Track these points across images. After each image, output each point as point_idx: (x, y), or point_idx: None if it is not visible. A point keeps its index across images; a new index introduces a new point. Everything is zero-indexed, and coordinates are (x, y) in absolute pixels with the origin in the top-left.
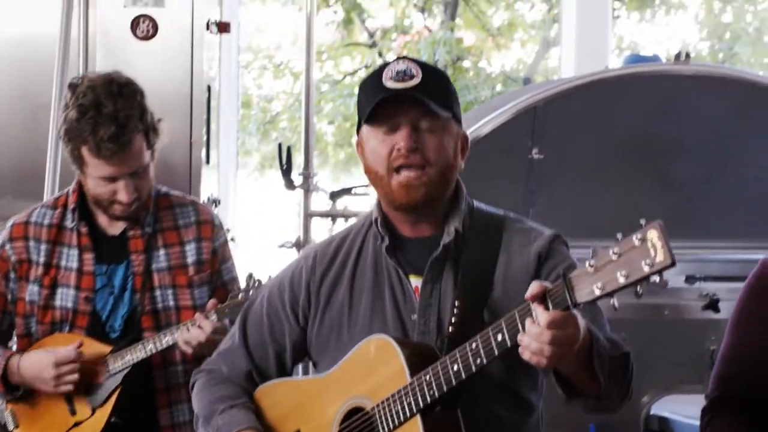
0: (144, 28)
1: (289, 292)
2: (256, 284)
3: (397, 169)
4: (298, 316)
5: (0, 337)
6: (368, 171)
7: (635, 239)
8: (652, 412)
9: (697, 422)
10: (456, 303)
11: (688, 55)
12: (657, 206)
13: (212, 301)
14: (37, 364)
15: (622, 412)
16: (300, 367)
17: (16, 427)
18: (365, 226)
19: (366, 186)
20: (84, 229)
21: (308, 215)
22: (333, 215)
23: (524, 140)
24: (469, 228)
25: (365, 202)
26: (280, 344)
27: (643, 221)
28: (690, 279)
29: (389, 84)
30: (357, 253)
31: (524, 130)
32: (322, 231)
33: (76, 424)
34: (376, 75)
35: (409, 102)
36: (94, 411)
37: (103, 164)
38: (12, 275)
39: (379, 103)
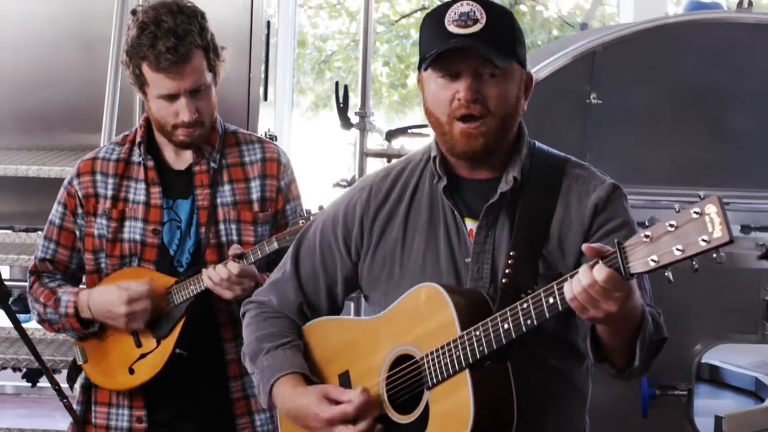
0: None
1: (343, 225)
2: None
3: (458, 118)
4: (350, 250)
5: (70, 277)
6: (428, 113)
7: (692, 212)
8: (703, 360)
9: (748, 372)
10: (511, 253)
11: (750, 3)
12: (712, 155)
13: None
14: (109, 300)
15: (674, 360)
16: (352, 306)
17: (85, 361)
18: (422, 161)
19: (422, 126)
20: (150, 163)
21: (364, 154)
22: (388, 155)
23: (582, 85)
24: (529, 171)
25: (421, 142)
26: (332, 277)
27: (702, 194)
28: (745, 228)
29: (451, 28)
30: (413, 189)
31: (583, 75)
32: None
33: (142, 356)
34: (439, 14)
35: (471, 49)
36: (159, 342)
37: (162, 78)
38: (79, 211)
39: (440, 54)
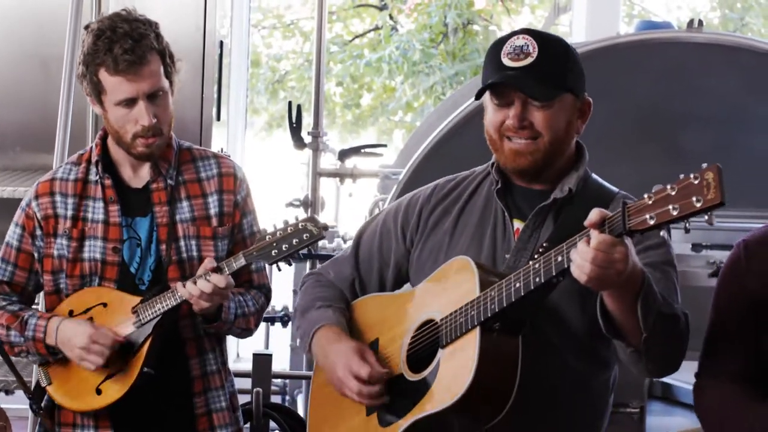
0: None
1: (404, 213)
2: (299, 225)
3: (508, 137)
4: (406, 236)
5: (27, 299)
6: (486, 132)
7: (692, 177)
8: (655, 378)
9: None
10: (544, 244)
11: (701, 23)
12: (665, 175)
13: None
14: (75, 332)
15: (625, 377)
16: None
17: (49, 383)
18: (486, 170)
19: (375, 146)
20: (108, 182)
21: (317, 174)
22: (341, 174)
23: None
24: (580, 192)
25: (374, 161)
26: (385, 260)
27: (704, 165)
28: (696, 247)
29: (505, 60)
30: (471, 191)
31: None
32: (330, 190)
33: (109, 376)
34: (500, 45)
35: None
36: (126, 362)
37: (121, 81)
38: (38, 232)
39: (491, 84)
